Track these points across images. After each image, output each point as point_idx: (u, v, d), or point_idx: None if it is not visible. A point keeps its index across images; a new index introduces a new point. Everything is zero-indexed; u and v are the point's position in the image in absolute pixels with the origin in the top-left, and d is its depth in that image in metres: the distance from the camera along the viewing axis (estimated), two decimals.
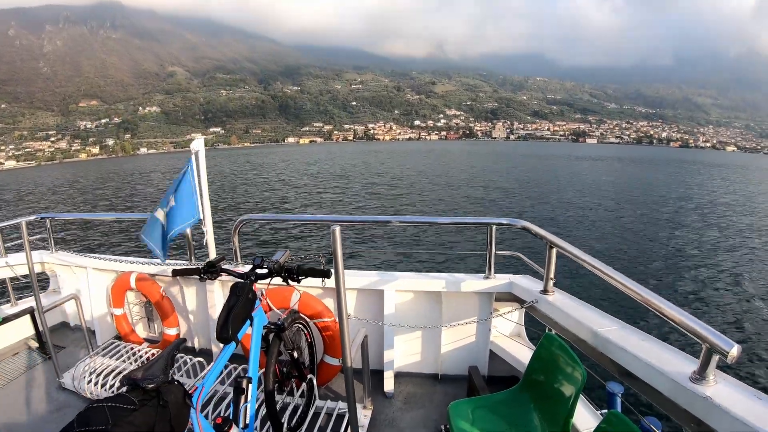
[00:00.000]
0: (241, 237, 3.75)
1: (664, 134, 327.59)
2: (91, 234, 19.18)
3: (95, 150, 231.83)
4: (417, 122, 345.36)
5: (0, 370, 3.81)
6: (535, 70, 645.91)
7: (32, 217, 4.16)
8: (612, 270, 2.25)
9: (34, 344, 4.22)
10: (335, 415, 2.89)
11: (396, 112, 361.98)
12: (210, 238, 3.51)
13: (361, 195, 31.89)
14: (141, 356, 3.58)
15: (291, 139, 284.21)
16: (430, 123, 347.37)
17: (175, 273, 2.48)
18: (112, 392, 3.05)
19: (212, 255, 3.52)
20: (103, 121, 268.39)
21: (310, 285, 3.12)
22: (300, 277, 2.37)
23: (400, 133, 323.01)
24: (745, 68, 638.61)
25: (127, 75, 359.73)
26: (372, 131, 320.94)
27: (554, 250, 2.77)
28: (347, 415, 2.63)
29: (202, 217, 3.37)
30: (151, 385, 1.50)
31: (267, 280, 2.43)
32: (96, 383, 3.18)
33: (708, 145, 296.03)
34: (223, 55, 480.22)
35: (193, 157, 3.22)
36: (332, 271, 2.06)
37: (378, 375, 3.39)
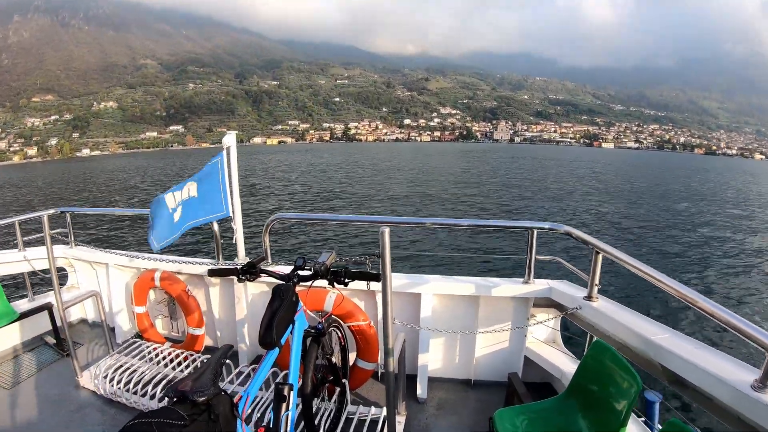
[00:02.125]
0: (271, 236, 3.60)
1: (682, 139, 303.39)
2: (112, 230, 19.62)
3: (32, 151, 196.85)
4: (407, 121, 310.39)
5: (17, 367, 3.75)
6: (533, 69, 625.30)
7: (52, 211, 4.03)
8: (664, 276, 2.19)
9: (52, 341, 4.16)
10: (369, 421, 2.85)
11: (384, 109, 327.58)
12: (239, 237, 3.44)
13: None
14: (164, 356, 3.51)
15: (257, 140, 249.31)
16: (422, 122, 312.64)
17: (212, 273, 2.42)
18: (135, 392, 3.02)
19: (241, 253, 3.52)
20: (53, 118, 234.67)
21: (344, 287, 2.83)
22: (347, 281, 2.24)
23: (386, 133, 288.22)
24: (749, 70, 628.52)
25: (94, 68, 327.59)
26: (355, 130, 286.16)
27: (600, 256, 2.70)
28: (380, 421, 2.68)
29: (231, 214, 3.30)
30: (202, 398, 1.42)
31: (310, 283, 2.31)
32: (116, 382, 3.11)
33: (733, 152, 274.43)
34: (202, 48, 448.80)
35: (224, 151, 3.17)
36: (381, 274, 2.01)
37: (410, 379, 3.30)
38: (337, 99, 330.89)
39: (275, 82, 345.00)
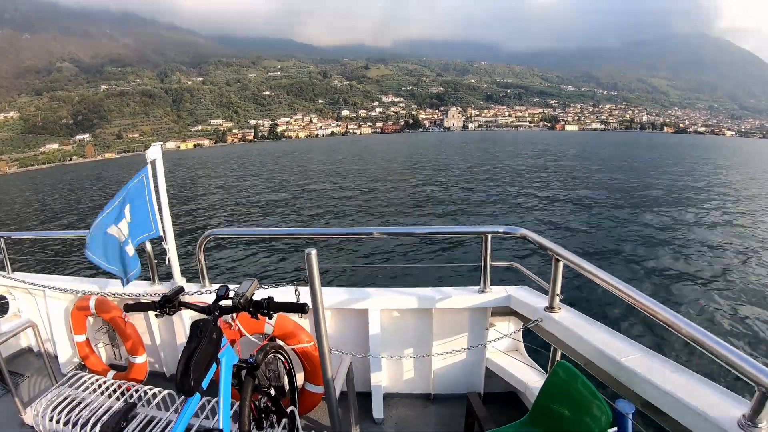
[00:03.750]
0: (206, 254, 3.43)
1: (644, 117, 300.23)
2: (52, 254, 17.58)
3: None
4: (345, 112, 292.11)
5: None
6: (477, 55, 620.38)
7: None
8: (635, 291, 2.02)
9: None
10: None
11: (320, 101, 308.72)
12: (173, 257, 3.27)
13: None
14: (107, 387, 3.35)
15: (171, 144, 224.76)
16: (362, 113, 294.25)
17: (128, 308, 2.31)
18: (77, 429, 2.91)
19: (176, 274, 3.37)
20: None
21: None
22: (272, 313, 2.13)
23: (322, 127, 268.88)
24: (695, 49, 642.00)
25: (4, 74, 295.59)
26: (286, 126, 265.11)
27: (561, 263, 2.52)
28: None
29: (162, 234, 3.13)
30: None
31: (233, 315, 2.21)
32: (59, 420, 2.97)
33: (703, 130, 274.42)
34: (126, 48, 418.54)
35: (149, 166, 2.97)
36: (308, 305, 1.95)
37: (365, 398, 3.17)
38: (267, 93, 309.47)
39: (200, 79, 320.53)
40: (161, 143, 3.06)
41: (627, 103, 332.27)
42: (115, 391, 3.26)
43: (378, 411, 3.15)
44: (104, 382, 3.36)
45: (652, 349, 2.14)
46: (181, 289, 2.26)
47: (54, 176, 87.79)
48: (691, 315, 9.05)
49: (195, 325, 1.92)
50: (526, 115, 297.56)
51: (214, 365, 1.97)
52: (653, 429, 2.03)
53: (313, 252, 1.76)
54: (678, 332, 1.72)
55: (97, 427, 2.78)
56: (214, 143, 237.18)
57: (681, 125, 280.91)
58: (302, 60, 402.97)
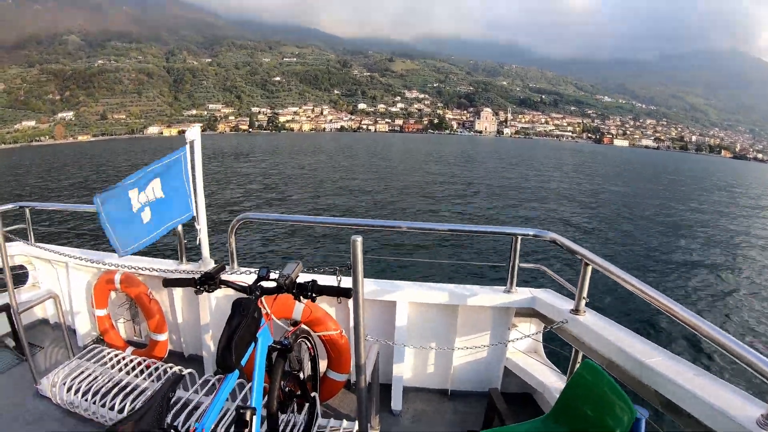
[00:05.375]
0: (238, 237, 3.47)
1: (693, 138, 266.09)
2: (75, 226, 18.32)
3: None
4: (362, 106, 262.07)
5: None
6: (506, 58, 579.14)
7: (9, 206, 3.93)
8: (662, 295, 2.07)
9: (11, 343, 4.00)
10: None
11: (335, 92, 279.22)
12: (204, 238, 3.31)
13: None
14: (126, 363, 3.40)
15: (154, 129, 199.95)
16: (381, 107, 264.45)
17: (167, 283, 2.28)
18: (94, 402, 2.93)
19: (206, 256, 3.41)
20: None
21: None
22: (315, 296, 2.14)
23: (332, 120, 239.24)
24: (732, 67, 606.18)
25: (4, 44, 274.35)
26: (292, 117, 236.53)
27: (589, 267, 2.59)
28: None
29: (195, 214, 3.19)
30: None
31: (274, 295, 2.22)
32: (76, 391, 3.00)
33: (762, 157, 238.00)
34: (138, 24, 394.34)
35: (187, 146, 2.98)
36: (351, 290, 1.96)
37: (384, 389, 3.21)
38: (278, 79, 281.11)
39: (208, 60, 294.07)
40: (198, 125, 3.10)
41: (667, 119, 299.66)
42: (134, 367, 3.29)
43: (397, 403, 3.19)
44: (124, 357, 3.40)
45: (674, 353, 2.19)
46: (222, 268, 2.26)
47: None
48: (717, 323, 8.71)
49: (237, 303, 1.94)
50: (565, 124, 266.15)
51: (252, 344, 2.01)
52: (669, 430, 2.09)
53: (359, 239, 1.78)
54: (704, 336, 1.78)
55: (118, 399, 2.81)
56: (202, 131, 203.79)
57: (739, 149, 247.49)
58: (322, 48, 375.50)
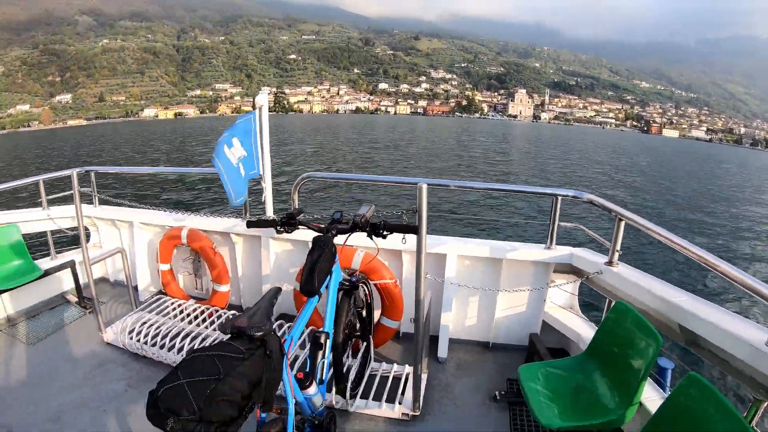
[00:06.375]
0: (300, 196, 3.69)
1: (743, 129, 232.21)
2: (134, 189, 19.80)
3: None
4: (383, 86, 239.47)
5: (40, 324, 3.83)
6: (537, 40, 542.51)
7: (76, 170, 4.04)
8: (686, 242, 2.24)
9: (74, 298, 4.25)
10: (392, 378, 2.93)
11: (355, 71, 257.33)
12: (268, 195, 3.50)
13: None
14: (188, 312, 3.59)
15: (149, 111, 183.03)
16: (404, 87, 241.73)
17: (251, 224, 2.44)
18: (160, 347, 3.10)
19: (269, 212, 3.59)
20: None
21: (370, 246, 2.87)
22: (386, 233, 2.26)
23: (347, 101, 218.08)
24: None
25: (13, 24, 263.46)
26: (305, 97, 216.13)
27: (623, 223, 2.78)
28: (402, 378, 2.83)
29: (262, 173, 3.38)
30: (259, 334, 1.45)
31: (347, 235, 2.35)
32: (141, 337, 3.17)
33: None
34: (153, 2, 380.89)
35: (257, 111, 3.22)
36: (418, 226, 2.08)
37: (432, 339, 3.36)
38: (293, 56, 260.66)
39: (221, 38, 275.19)
40: (267, 90, 2.97)
41: (708, 108, 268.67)
42: (197, 316, 3.48)
43: (443, 351, 3.33)
44: (186, 307, 3.60)
45: (698, 295, 2.37)
46: (300, 211, 2.41)
47: None
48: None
49: (317, 240, 2.09)
50: (605, 110, 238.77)
51: (329, 276, 2.13)
52: (694, 366, 2.28)
53: (425, 185, 1.93)
54: (722, 273, 1.97)
55: (184, 342, 2.97)
56: (201, 113, 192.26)
57: None
58: (344, 26, 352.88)
